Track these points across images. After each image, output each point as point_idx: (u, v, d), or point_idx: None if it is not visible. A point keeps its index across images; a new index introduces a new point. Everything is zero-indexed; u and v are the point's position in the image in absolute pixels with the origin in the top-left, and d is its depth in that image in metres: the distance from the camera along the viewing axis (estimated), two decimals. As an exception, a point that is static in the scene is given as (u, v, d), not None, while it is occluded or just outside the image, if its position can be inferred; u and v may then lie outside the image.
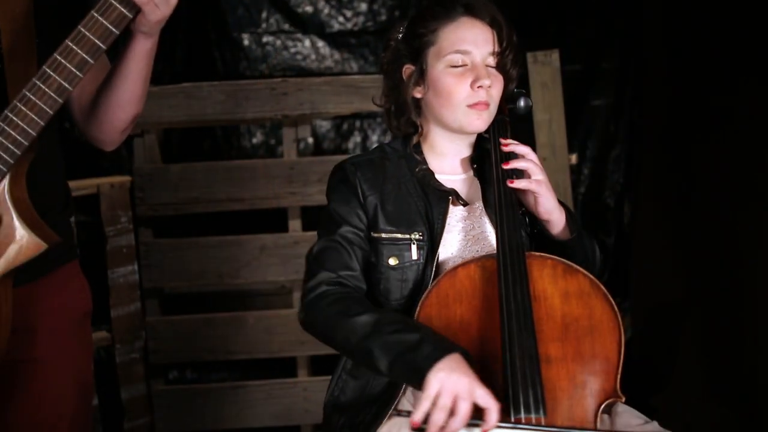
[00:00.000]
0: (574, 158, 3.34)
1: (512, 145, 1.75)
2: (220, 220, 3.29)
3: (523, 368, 1.53)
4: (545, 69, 3.05)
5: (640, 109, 3.91)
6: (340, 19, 3.79)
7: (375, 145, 3.87)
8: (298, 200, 3.08)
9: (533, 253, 1.71)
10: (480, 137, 1.86)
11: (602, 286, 1.67)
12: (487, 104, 1.73)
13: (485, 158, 1.85)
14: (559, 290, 1.67)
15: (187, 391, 3.24)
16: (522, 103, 1.87)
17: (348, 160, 1.83)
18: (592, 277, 1.69)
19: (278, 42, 3.78)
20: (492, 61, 1.75)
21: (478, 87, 1.71)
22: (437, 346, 1.52)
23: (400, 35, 1.83)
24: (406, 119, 1.84)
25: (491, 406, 1.46)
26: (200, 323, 3.12)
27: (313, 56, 3.79)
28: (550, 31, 3.69)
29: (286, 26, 3.77)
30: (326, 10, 3.78)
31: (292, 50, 3.79)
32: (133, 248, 3.07)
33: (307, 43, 3.79)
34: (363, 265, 1.74)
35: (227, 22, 3.74)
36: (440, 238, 1.74)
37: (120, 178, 3.07)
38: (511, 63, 1.80)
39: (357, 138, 3.91)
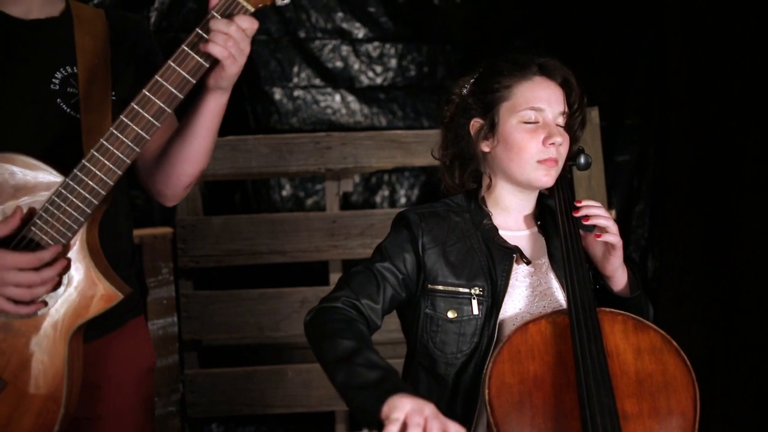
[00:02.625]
0: (613, 214, 3.37)
1: (585, 209, 1.76)
2: (261, 273, 3.29)
3: (604, 425, 1.52)
4: (584, 125, 3.08)
5: (663, 165, 3.95)
6: (370, 74, 3.85)
7: (402, 200, 3.93)
8: (339, 253, 3.07)
9: (603, 308, 1.70)
10: (541, 193, 1.88)
11: (674, 342, 1.67)
12: (556, 161, 1.75)
13: (546, 214, 1.87)
14: (631, 346, 1.66)
15: (223, 445, 3.21)
16: (582, 159, 1.88)
17: (413, 210, 1.82)
18: (663, 332, 1.68)
19: (309, 96, 3.83)
20: (561, 120, 1.78)
21: (550, 144, 1.74)
22: (401, 384, 1.48)
23: (465, 91, 1.86)
24: (470, 172, 1.85)
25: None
26: (239, 376, 3.09)
27: (343, 110, 3.84)
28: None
29: (317, 81, 3.82)
30: (356, 66, 3.84)
31: (323, 104, 3.83)
32: (173, 300, 3.05)
33: (338, 97, 3.84)
34: (387, 304, 1.73)
35: (259, 76, 3.79)
36: (504, 296, 1.73)
37: (162, 229, 3.07)
38: (579, 124, 1.84)
39: (385, 192, 3.93)
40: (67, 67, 1.70)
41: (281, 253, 3.06)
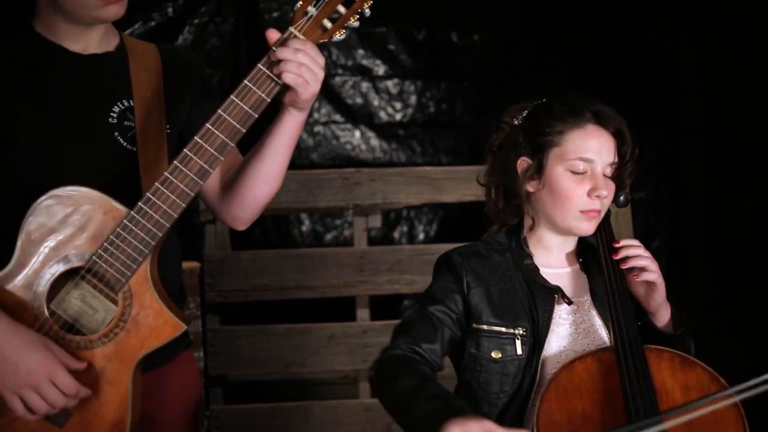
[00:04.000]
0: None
1: (624, 250, 1.76)
2: (288, 308, 3.28)
3: (659, 463, 1.53)
4: (610, 163, 3.09)
5: (679, 203, 3.97)
6: (389, 110, 3.88)
7: (421, 235, 3.93)
8: (368, 289, 3.07)
9: (649, 345, 1.71)
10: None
11: (721, 379, 1.67)
12: (599, 212, 1.76)
13: (588, 251, 1.87)
14: (678, 383, 1.67)
15: (249, 483, 3.18)
16: (622, 198, 1.88)
17: (455, 251, 1.83)
18: (710, 369, 1.68)
19: (329, 132, 3.85)
20: (609, 171, 1.77)
21: (596, 196, 1.74)
22: (462, 407, 1.50)
23: (516, 122, 1.86)
24: (513, 205, 1.86)
25: None
26: (265, 412, 3.07)
27: (363, 146, 3.86)
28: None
29: (337, 117, 3.85)
30: (376, 102, 3.87)
31: (343, 140, 3.86)
32: (199, 335, 3.04)
33: (357, 133, 3.86)
34: (446, 346, 1.74)
35: (281, 112, 3.81)
36: (545, 336, 1.73)
37: (190, 263, 3.06)
38: (628, 174, 1.83)
39: (404, 227, 3.94)
40: (124, 101, 1.72)
41: (309, 289, 3.06)
